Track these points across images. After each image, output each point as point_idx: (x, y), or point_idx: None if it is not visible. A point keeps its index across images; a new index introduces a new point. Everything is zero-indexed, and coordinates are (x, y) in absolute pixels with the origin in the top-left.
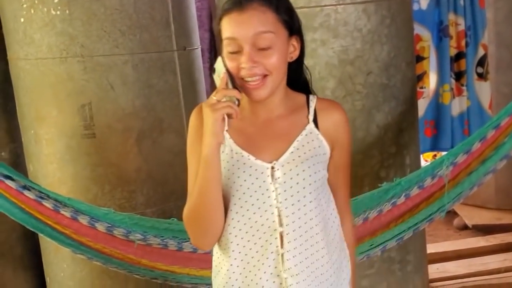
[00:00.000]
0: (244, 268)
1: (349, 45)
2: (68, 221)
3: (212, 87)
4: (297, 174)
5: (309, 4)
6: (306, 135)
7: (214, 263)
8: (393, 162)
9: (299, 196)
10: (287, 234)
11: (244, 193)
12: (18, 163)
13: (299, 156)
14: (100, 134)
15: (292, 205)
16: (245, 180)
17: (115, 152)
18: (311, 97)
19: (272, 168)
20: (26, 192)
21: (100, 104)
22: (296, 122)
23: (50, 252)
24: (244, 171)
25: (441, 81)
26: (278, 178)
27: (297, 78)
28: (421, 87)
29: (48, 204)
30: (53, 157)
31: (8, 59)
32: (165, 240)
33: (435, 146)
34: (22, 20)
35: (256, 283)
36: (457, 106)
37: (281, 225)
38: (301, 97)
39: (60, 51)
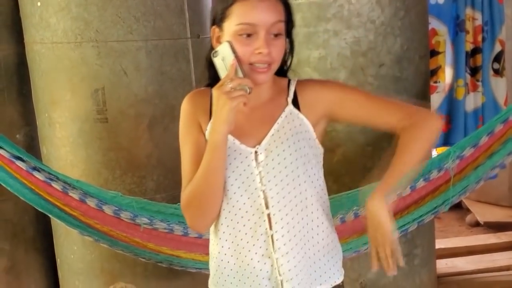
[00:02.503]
0: (235, 250)
1: (361, 36)
2: (77, 203)
3: (209, 72)
4: (278, 155)
5: None
6: (286, 116)
7: (210, 249)
8: None
9: (282, 176)
10: (273, 215)
11: (229, 177)
12: (32, 145)
13: (279, 137)
14: (112, 119)
15: (276, 185)
16: (230, 164)
17: (126, 137)
18: (291, 80)
19: (256, 152)
20: (36, 174)
21: (113, 89)
22: (277, 105)
23: (61, 234)
24: (229, 155)
25: (456, 76)
26: (261, 161)
27: (282, 65)
28: (436, 82)
29: (57, 186)
30: (66, 140)
31: (24, 42)
32: (171, 225)
33: (448, 141)
34: (38, 4)
35: (248, 264)
36: (471, 101)
37: (267, 207)
38: (284, 81)
39: (75, 36)
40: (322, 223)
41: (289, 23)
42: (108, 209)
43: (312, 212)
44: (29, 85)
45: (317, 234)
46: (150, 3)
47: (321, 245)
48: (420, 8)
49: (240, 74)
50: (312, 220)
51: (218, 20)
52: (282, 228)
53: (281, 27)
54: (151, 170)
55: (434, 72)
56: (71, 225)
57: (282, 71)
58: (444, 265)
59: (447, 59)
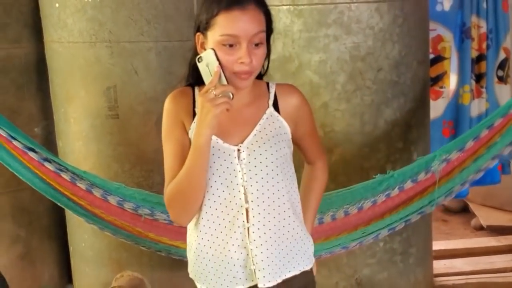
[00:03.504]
0: (213, 242)
1: (361, 42)
2: (84, 193)
3: (192, 74)
4: (260, 154)
5: (324, 1)
6: (267, 118)
7: (188, 239)
8: (400, 157)
9: (263, 174)
10: (252, 209)
11: (213, 174)
12: (49, 139)
13: (261, 138)
14: (123, 115)
15: (256, 182)
16: (214, 162)
17: (136, 133)
18: (270, 83)
19: (238, 150)
20: (46, 164)
21: (124, 87)
22: (259, 108)
23: (74, 223)
24: (213, 154)
25: (461, 82)
26: (244, 159)
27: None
28: (441, 87)
29: (66, 176)
30: (79, 134)
31: (44, 41)
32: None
33: None
34: (57, 5)
35: (225, 255)
36: (476, 107)
37: (246, 201)
38: (263, 84)
39: (89, 36)
40: (294, 220)
41: (269, 31)
42: (112, 200)
43: (287, 209)
44: (47, 81)
45: (292, 229)
46: (161, 7)
47: (293, 238)
48: (419, 15)
49: (224, 81)
50: (286, 217)
51: (202, 28)
52: (258, 222)
53: (262, 36)
54: (158, 164)
55: (439, 78)
56: (78, 213)
57: (259, 74)
58: (442, 265)
59: (452, 65)
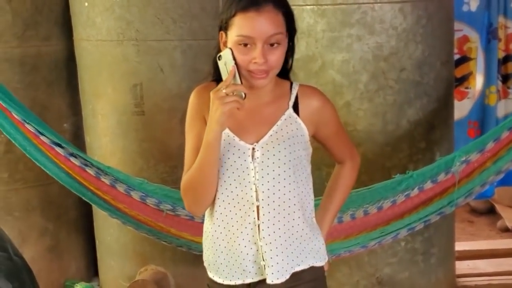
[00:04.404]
0: (226, 235)
1: (384, 42)
2: (108, 188)
3: (216, 71)
4: (273, 155)
5: (347, 1)
6: (285, 119)
7: (204, 228)
8: (422, 157)
9: (274, 174)
10: (262, 207)
11: (227, 169)
12: (78, 134)
13: (277, 139)
14: (148, 112)
15: (268, 182)
16: (229, 158)
17: (160, 129)
18: (294, 84)
19: (253, 149)
20: (72, 159)
21: (150, 84)
22: (278, 108)
23: (100, 217)
24: (228, 150)
25: (487, 83)
26: (257, 158)
27: (285, 69)
28: (467, 87)
29: (91, 171)
30: (106, 130)
31: (73, 39)
32: None
33: None
34: (86, 4)
35: (236, 248)
36: (502, 108)
37: (258, 199)
38: (286, 84)
39: (117, 35)
40: (303, 221)
41: (291, 31)
42: (135, 195)
43: (297, 210)
44: (76, 78)
45: (301, 229)
46: (187, 6)
47: (302, 238)
48: (443, 16)
49: (238, 81)
50: (295, 217)
51: (223, 27)
52: (268, 220)
53: (279, 38)
54: (182, 160)
55: (465, 78)
56: (102, 207)
57: (284, 72)
58: (466, 266)
59: (478, 65)
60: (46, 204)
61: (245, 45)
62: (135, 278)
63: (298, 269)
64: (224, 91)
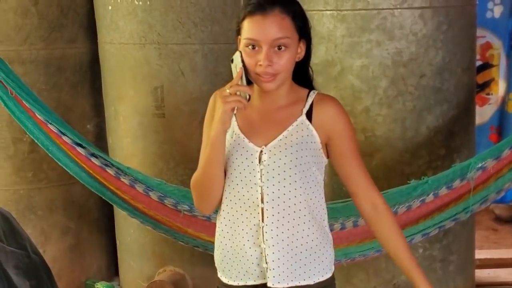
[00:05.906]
0: (232, 235)
1: (403, 47)
2: (127, 187)
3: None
4: (280, 159)
5: (367, 7)
6: (297, 125)
7: (216, 226)
8: (442, 164)
9: (280, 178)
10: (266, 210)
11: (235, 170)
12: (101, 135)
13: (285, 143)
14: (169, 115)
15: (273, 185)
16: (236, 158)
17: (181, 131)
18: (312, 92)
19: (261, 151)
20: (93, 159)
21: (171, 87)
22: (292, 113)
23: (121, 218)
24: (237, 151)
25: (509, 89)
26: (264, 161)
27: (303, 75)
28: (488, 94)
29: (111, 171)
30: (128, 132)
31: (97, 42)
32: None
33: None
34: (110, 8)
35: (240, 249)
36: None
37: (262, 202)
38: (304, 91)
39: (139, 38)
40: (312, 225)
41: (303, 30)
42: (153, 195)
43: (304, 215)
44: (100, 80)
45: (307, 235)
46: (208, 10)
47: (309, 245)
48: (464, 22)
49: (244, 82)
50: (301, 222)
51: (237, 31)
52: (272, 223)
53: (286, 42)
54: None
55: (487, 84)
56: (121, 207)
57: (303, 79)
58: (486, 275)
59: (501, 72)
60: (68, 204)
61: (253, 48)
62: (153, 279)
63: (303, 283)
64: (228, 90)
